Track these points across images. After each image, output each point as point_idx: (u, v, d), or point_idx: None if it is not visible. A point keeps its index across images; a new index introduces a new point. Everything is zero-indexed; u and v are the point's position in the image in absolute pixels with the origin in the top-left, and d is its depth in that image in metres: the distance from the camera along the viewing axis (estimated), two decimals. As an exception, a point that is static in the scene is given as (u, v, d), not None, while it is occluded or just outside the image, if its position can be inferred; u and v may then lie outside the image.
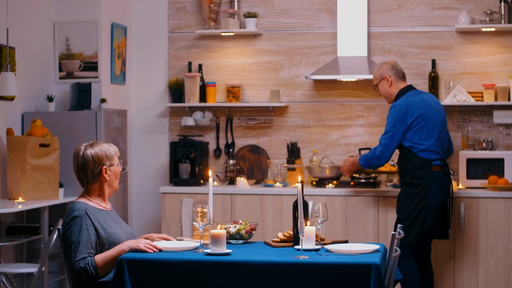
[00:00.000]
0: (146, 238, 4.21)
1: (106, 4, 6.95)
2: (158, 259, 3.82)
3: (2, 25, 5.98)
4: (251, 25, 7.16)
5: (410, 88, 6.07)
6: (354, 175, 6.73)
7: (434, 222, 5.88)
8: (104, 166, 4.07)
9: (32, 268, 5.57)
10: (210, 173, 4.34)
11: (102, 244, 3.96)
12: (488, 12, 6.83)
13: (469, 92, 6.86)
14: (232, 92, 7.23)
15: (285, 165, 7.05)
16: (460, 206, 6.44)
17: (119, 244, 3.96)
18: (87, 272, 3.86)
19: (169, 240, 4.20)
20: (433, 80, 6.97)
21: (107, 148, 4.11)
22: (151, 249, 3.92)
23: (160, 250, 3.96)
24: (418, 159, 5.88)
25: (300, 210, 3.82)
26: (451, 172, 6.08)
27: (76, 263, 3.87)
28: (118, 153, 4.18)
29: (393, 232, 3.84)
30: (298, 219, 3.84)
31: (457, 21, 6.91)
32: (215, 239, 3.86)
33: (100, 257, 3.90)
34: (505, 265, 6.41)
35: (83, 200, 4.06)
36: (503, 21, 6.80)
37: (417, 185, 5.86)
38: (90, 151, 4.08)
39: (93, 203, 4.08)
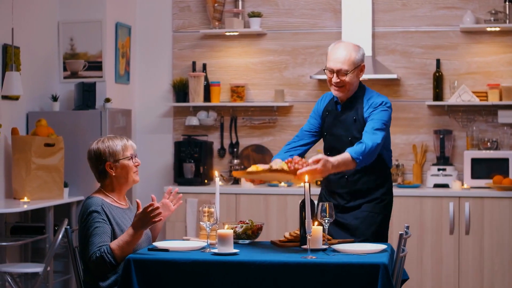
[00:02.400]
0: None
1: (110, 4, 6.95)
2: (165, 259, 3.81)
3: (7, 25, 5.97)
4: (255, 25, 7.16)
5: None
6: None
7: None
8: (108, 162, 4.05)
9: (37, 268, 5.57)
10: (216, 173, 4.32)
11: None
12: (493, 11, 6.82)
13: (473, 92, 6.86)
14: (237, 91, 7.23)
15: (290, 164, 7.03)
16: (465, 206, 6.44)
17: (127, 229, 3.93)
18: (104, 261, 3.82)
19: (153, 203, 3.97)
20: (438, 80, 6.96)
21: (114, 144, 4.06)
22: (159, 218, 3.86)
23: (167, 250, 3.95)
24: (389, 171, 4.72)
25: (307, 210, 3.81)
26: None
27: (93, 254, 3.83)
28: (132, 148, 4.11)
29: (400, 232, 3.83)
30: (305, 218, 3.83)
31: (462, 20, 6.91)
32: (222, 239, 3.85)
33: (114, 244, 3.86)
34: (510, 265, 6.40)
35: (99, 195, 4.03)
36: (507, 21, 6.80)
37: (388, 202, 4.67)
38: (94, 147, 4.07)
39: (110, 199, 4.05)
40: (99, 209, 3.93)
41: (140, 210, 3.88)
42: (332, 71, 4.46)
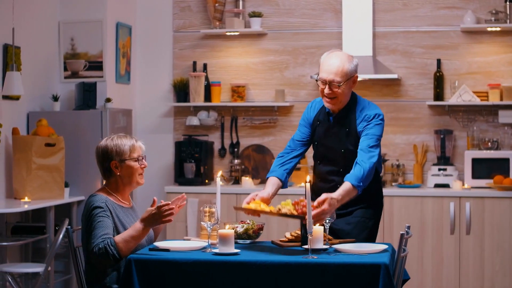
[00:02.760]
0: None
1: (111, 4, 6.95)
2: (166, 259, 3.81)
3: (8, 25, 5.97)
4: (256, 25, 7.16)
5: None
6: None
7: None
8: (114, 161, 4.04)
9: (37, 268, 5.57)
10: (220, 173, 4.32)
11: None
12: (494, 11, 6.83)
13: (474, 92, 6.86)
14: (237, 91, 7.23)
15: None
16: (465, 206, 6.44)
17: (133, 224, 3.92)
18: (107, 253, 3.78)
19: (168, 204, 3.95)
20: (438, 80, 6.96)
21: (122, 143, 4.04)
22: (169, 218, 3.85)
23: (168, 250, 3.95)
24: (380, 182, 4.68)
25: (308, 210, 3.81)
26: None
27: (95, 245, 3.80)
28: (140, 149, 4.09)
29: (401, 232, 3.83)
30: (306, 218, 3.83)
31: (462, 20, 6.91)
32: (223, 239, 3.85)
33: (119, 237, 3.84)
34: (511, 264, 6.40)
35: (103, 193, 4.03)
36: (508, 21, 6.80)
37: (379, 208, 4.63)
38: (102, 143, 4.06)
39: (113, 197, 4.04)
40: (103, 205, 3.92)
41: (155, 207, 3.88)
42: (324, 82, 4.33)
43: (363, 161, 4.23)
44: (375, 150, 4.29)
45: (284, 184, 4.49)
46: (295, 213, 3.97)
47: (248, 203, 4.22)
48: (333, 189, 4.32)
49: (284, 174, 4.49)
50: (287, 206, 4.03)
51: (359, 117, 4.39)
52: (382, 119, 4.40)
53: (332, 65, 4.31)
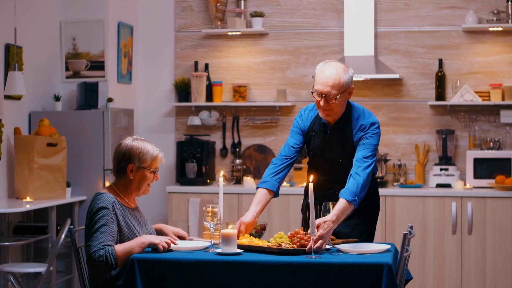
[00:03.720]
0: (159, 229, 4.23)
1: (112, 4, 6.95)
2: (169, 258, 3.81)
3: (10, 25, 5.98)
4: (257, 25, 7.16)
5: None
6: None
7: None
8: (132, 164, 4.03)
9: (39, 268, 5.57)
10: (222, 173, 4.33)
11: (122, 242, 3.93)
12: (495, 11, 6.82)
13: (476, 92, 6.86)
14: (239, 91, 7.23)
15: (292, 164, 7.02)
16: (467, 206, 6.44)
17: (139, 236, 3.94)
18: (107, 261, 3.79)
19: (182, 235, 4.17)
20: (440, 80, 6.96)
21: (146, 150, 4.04)
22: (164, 246, 3.89)
23: (171, 250, 3.95)
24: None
25: (311, 210, 3.80)
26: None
27: (96, 251, 3.80)
28: (160, 161, 4.09)
29: (404, 232, 3.83)
30: (309, 219, 3.82)
31: (464, 20, 6.91)
32: (226, 239, 3.85)
33: (120, 247, 3.85)
34: (513, 265, 6.41)
35: (111, 192, 4.03)
36: (510, 21, 6.80)
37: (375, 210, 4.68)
38: (128, 142, 4.04)
39: (120, 198, 4.04)
40: (110, 206, 3.92)
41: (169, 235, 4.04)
42: (320, 94, 4.22)
43: (357, 173, 4.20)
44: (370, 159, 4.26)
45: (275, 194, 4.43)
46: (294, 246, 3.92)
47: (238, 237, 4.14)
48: (331, 196, 4.32)
49: (276, 184, 4.41)
50: (282, 239, 3.99)
51: (355, 127, 4.35)
52: (378, 127, 4.36)
53: (328, 77, 4.21)
